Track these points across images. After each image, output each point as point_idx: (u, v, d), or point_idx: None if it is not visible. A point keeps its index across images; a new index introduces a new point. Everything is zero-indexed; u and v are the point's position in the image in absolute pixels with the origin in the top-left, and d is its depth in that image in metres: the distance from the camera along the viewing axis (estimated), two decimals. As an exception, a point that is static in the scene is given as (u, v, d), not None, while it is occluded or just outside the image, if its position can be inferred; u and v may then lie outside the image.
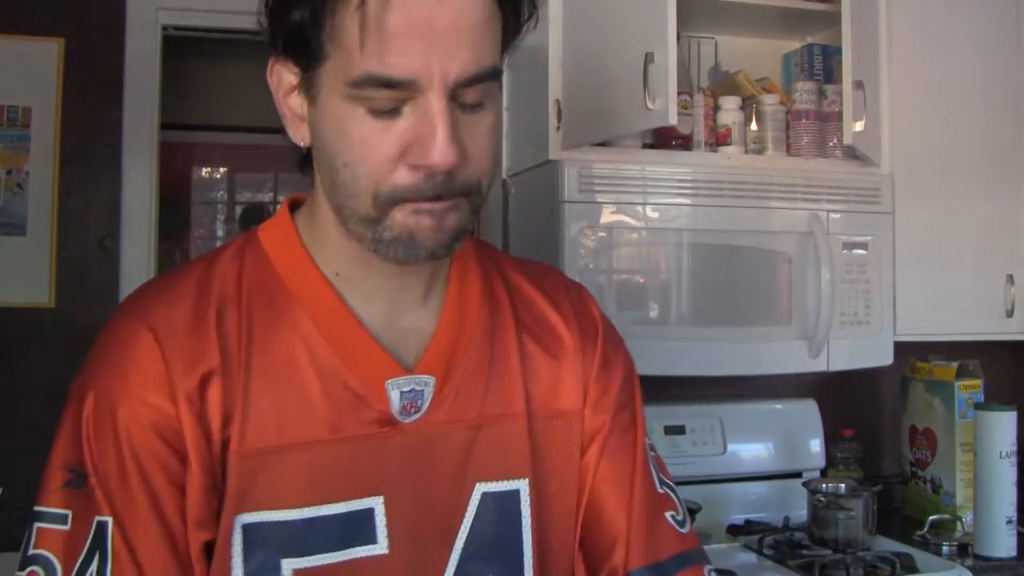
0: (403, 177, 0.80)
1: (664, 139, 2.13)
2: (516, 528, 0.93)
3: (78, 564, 0.80)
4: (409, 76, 0.78)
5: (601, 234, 2.02)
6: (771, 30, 2.44)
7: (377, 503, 0.88)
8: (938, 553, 2.15)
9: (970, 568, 2.06)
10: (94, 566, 0.80)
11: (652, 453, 1.03)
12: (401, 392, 0.89)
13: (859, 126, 2.07)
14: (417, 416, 0.89)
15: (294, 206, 0.95)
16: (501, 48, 0.85)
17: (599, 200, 2.02)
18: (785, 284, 2.13)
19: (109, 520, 0.81)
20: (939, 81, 2.31)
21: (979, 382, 2.34)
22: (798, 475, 2.37)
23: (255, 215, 4.06)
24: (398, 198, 0.81)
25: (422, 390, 0.90)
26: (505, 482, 0.93)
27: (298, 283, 0.89)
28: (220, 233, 4.12)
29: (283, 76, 0.86)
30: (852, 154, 2.20)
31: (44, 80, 2.21)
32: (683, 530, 1.01)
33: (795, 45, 2.43)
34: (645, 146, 2.13)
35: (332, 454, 0.86)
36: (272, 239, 0.92)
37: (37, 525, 0.83)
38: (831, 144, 2.21)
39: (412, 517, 0.89)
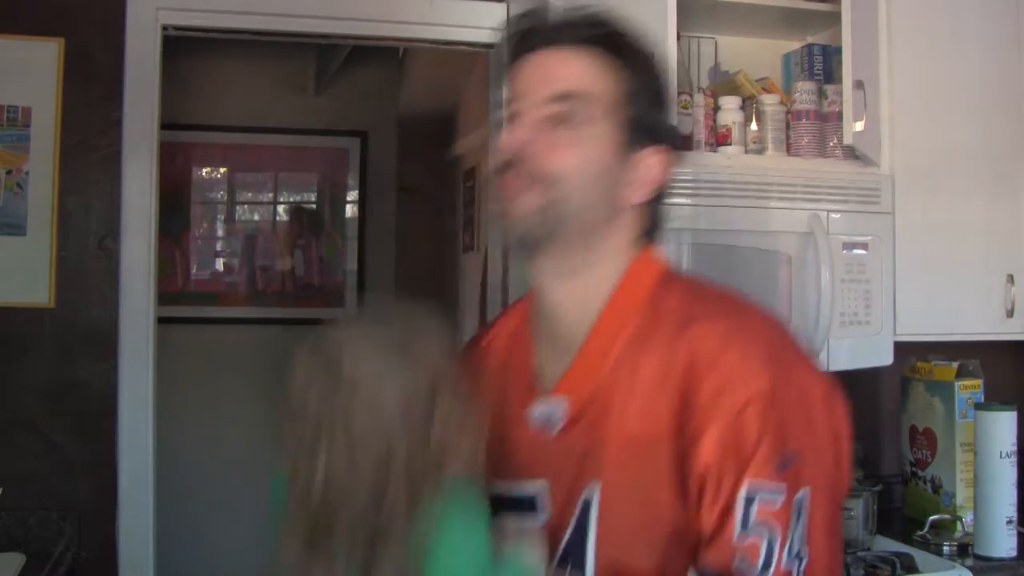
0: None
1: (664, 139, 2.12)
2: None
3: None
4: None
5: (601, 234, 2.01)
6: (771, 30, 2.44)
7: None
8: (938, 553, 2.15)
9: (970, 568, 2.06)
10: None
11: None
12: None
13: (859, 126, 2.07)
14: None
15: None
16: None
17: (599, 200, 2.01)
18: (785, 284, 2.13)
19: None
20: (939, 81, 2.31)
21: (979, 382, 2.33)
22: (798, 475, 2.37)
23: None
24: None
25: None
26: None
27: None
28: (220, 233, 4.10)
29: None
30: (852, 154, 2.20)
31: (44, 80, 2.21)
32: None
33: (795, 45, 2.43)
34: (645, 146, 2.12)
35: None
36: None
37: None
38: (831, 144, 2.21)
39: None
